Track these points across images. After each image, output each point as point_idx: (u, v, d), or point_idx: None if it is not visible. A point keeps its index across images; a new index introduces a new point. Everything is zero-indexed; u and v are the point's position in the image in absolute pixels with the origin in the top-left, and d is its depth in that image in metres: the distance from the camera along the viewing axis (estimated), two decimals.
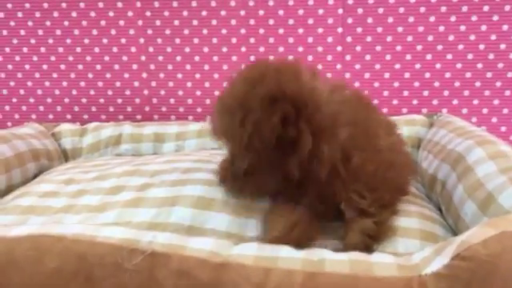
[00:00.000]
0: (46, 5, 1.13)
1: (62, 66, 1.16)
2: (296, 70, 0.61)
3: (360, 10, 1.08)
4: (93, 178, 0.77)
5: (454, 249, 0.46)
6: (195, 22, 1.11)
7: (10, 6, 1.14)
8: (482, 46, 1.06)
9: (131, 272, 0.48)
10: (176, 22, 1.11)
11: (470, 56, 1.07)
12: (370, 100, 0.73)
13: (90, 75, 1.16)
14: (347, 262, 0.49)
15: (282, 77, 0.59)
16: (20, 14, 1.14)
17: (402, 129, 0.98)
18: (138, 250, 0.49)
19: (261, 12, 1.09)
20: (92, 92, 1.17)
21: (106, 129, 1.06)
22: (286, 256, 0.50)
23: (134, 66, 1.15)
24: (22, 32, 1.15)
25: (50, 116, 1.19)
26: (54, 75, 1.17)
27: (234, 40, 1.11)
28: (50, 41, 1.15)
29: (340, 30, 1.09)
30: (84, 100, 1.18)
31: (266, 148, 0.57)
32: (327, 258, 0.50)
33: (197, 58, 1.13)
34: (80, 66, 1.16)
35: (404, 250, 0.58)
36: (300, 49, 1.10)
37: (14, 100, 1.19)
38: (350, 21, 1.08)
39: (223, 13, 1.10)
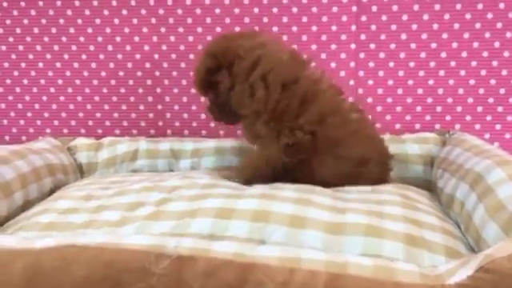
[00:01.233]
0: (61, 21, 1.14)
1: (77, 81, 1.17)
2: (238, 36, 0.88)
3: (373, 27, 1.08)
4: (112, 194, 0.78)
5: (479, 262, 0.46)
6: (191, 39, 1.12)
7: (26, 21, 1.15)
8: (495, 63, 1.06)
9: (159, 276, 0.50)
10: (190, 38, 1.13)
11: (483, 72, 1.07)
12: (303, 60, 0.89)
13: (105, 90, 1.17)
14: (371, 266, 0.50)
15: (222, 40, 0.88)
16: (36, 30, 1.15)
17: (414, 147, 1.00)
18: (165, 255, 0.51)
19: (275, 28, 1.10)
20: (106, 107, 1.18)
21: (122, 144, 1.07)
22: (310, 257, 0.52)
23: (148, 82, 1.16)
24: (38, 47, 1.17)
25: (65, 130, 1.20)
26: (69, 90, 1.18)
27: None
28: (66, 56, 1.16)
29: (353, 46, 1.09)
30: (98, 114, 1.19)
31: (201, 89, 0.90)
32: (350, 262, 0.51)
33: None
34: (95, 82, 1.17)
35: (429, 264, 0.58)
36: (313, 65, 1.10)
37: (29, 114, 1.20)
38: (363, 37, 1.09)
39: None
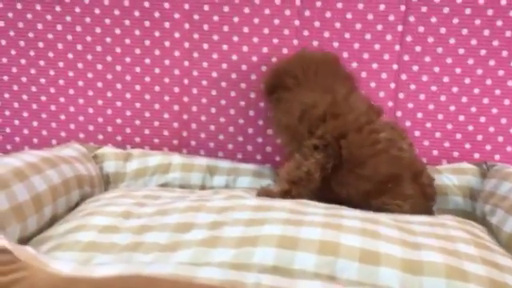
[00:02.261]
0: (88, 19, 1.07)
1: (99, 84, 1.10)
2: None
3: (418, 48, 1.04)
4: (153, 212, 0.71)
5: None
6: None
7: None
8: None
9: None
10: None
11: None
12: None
13: (128, 95, 1.10)
14: None
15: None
16: (59, 27, 1.08)
17: (452, 177, 0.96)
18: None
19: (315, 43, 1.05)
20: (128, 113, 1.11)
21: (154, 157, 1.00)
22: None
23: (176, 89, 1.10)
24: (60, 45, 1.09)
25: (81, 135, 1.13)
26: (90, 93, 1.11)
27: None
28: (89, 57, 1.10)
29: (395, 66, 1.05)
30: (119, 121, 1.12)
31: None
32: None
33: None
34: (118, 85, 1.10)
35: None
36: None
37: (44, 116, 1.13)
38: (406, 58, 1.05)
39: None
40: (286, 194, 0.80)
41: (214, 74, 1.09)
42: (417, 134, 1.08)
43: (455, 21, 1.01)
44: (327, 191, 0.80)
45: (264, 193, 0.80)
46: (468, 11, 1.01)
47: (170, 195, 0.82)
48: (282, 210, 0.68)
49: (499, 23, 1.00)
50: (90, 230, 0.66)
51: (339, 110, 0.84)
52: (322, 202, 0.77)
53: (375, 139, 0.79)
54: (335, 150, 0.80)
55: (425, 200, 0.81)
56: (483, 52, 1.02)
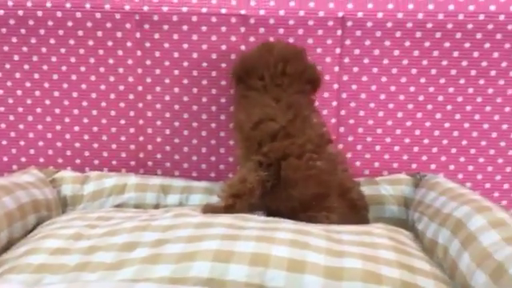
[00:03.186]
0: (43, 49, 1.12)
1: (57, 111, 1.15)
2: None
3: (355, 69, 1.12)
4: (102, 233, 0.76)
5: None
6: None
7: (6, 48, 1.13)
8: (468, 108, 1.12)
9: None
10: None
11: (457, 116, 1.13)
12: None
13: (86, 120, 1.15)
14: None
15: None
16: (16, 57, 1.13)
17: (388, 188, 1.05)
18: None
19: None
20: (86, 137, 1.16)
21: (110, 178, 1.05)
22: None
23: (131, 113, 1.15)
24: (17, 75, 1.14)
25: (41, 159, 1.17)
26: (48, 119, 1.16)
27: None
28: (46, 85, 1.14)
29: (336, 86, 1.13)
30: (77, 144, 1.17)
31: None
32: None
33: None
34: (75, 111, 1.15)
35: None
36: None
37: (4, 142, 1.17)
38: (345, 78, 1.13)
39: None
40: (229, 209, 0.86)
41: (167, 98, 1.15)
42: (359, 147, 1.16)
43: (387, 43, 1.10)
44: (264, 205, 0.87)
45: (209, 209, 0.86)
46: (398, 34, 1.09)
47: (123, 215, 0.87)
48: (222, 226, 0.74)
49: (427, 44, 1.09)
50: (42, 253, 0.71)
51: (293, 132, 0.90)
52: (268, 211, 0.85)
53: (311, 166, 0.87)
54: (276, 170, 0.87)
55: (355, 212, 0.89)
56: (414, 71, 1.11)
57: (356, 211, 0.90)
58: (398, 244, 0.75)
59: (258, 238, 0.70)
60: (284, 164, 0.87)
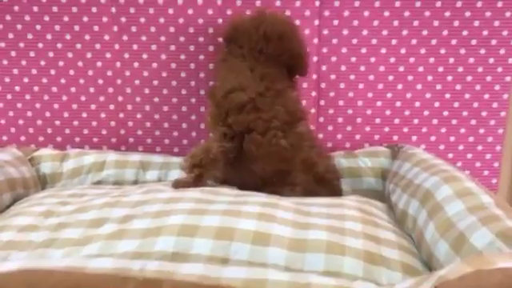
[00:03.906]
0: (19, 26, 1.11)
1: (36, 88, 1.15)
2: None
3: (334, 41, 1.11)
4: (73, 210, 0.76)
5: (432, 282, 0.48)
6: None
7: None
8: (449, 78, 1.11)
9: None
10: (145, 56, 1.12)
11: (438, 87, 1.12)
12: None
13: (65, 97, 1.15)
14: (332, 286, 0.53)
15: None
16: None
17: (366, 160, 1.05)
18: (130, 278, 0.51)
19: None
20: (66, 114, 1.16)
21: (89, 155, 1.06)
22: (274, 279, 0.53)
23: (110, 90, 1.15)
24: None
25: (22, 138, 1.17)
26: (27, 96, 1.15)
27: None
28: (23, 62, 1.13)
29: (315, 58, 1.11)
30: (57, 122, 1.16)
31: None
32: (313, 283, 0.53)
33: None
34: (54, 89, 1.15)
35: (387, 282, 0.61)
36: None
37: None
38: (324, 50, 1.11)
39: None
40: (198, 181, 0.86)
41: (146, 74, 1.14)
42: (340, 120, 1.15)
43: (366, 13, 1.08)
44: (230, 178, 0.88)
45: (179, 184, 0.86)
46: (377, 4, 1.08)
47: (97, 192, 0.87)
48: (191, 201, 0.74)
49: (407, 14, 1.08)
50: (11, 230, 0.71)
51: (261, 105, 0.89)
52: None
53: (273, 143, 0.86)
54: (239, 143, 0.87)
55: (323, 185, 0.89)
56: (394, 41, 1.10)
57: (324, 184, 0.90)
58: (366, 215, 0.75)
59: (226, 212, 0.70)
60: (247, 138, 0.87)
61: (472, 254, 0.58)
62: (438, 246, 0.64)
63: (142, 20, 1.10)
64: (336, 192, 0.92)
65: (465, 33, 1.08)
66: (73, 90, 1.15)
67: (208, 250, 0.63)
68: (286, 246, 0.64)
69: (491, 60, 1.10)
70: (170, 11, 1.09)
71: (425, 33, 1.09)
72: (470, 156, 1.15)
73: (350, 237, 0.67)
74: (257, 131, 0.87)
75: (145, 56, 1.13)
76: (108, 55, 1.13)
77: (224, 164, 0.87)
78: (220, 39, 1.06)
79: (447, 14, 1.07)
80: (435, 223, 0.68)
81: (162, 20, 1.10)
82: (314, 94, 1.13)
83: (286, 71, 0.97)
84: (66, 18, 1.11)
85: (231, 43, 0.96)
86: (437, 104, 1.13)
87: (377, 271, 0.61)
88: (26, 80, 1.14)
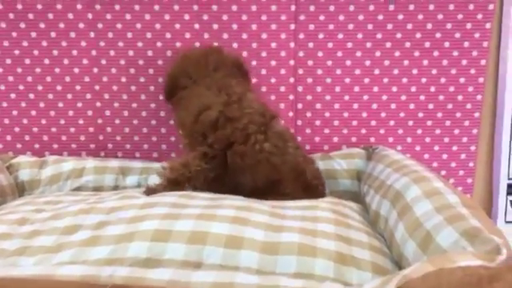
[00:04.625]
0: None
1: (12, 95, 1.14)
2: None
3: (311, 44, 1.12)
4: (47, 217, 0.76)
5: (396, 282, 0.49)
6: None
7: None
8: (424, 80, 1.13)
9: None
10: (122, 62, 1.12)
11: (413, 89, 1.13)
12: None
13: (42, 104, 1.15)
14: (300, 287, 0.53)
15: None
16: None
17: (341, 162, 1.06)
18: (98, 285, 0.51)
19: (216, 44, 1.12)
20: (43, 121, 1.16)
21: (68, 162, 1.06)
22: (243, 282, 0.55)
23: (88, 96, 1.15)
24: None
25: None
26: (4, 104, 1.15)
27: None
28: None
29: (292, 62, 1.13)
30: (35, 129, 1.16)
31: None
32: (282, 285, 0.54)
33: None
34: (31, 95, 1.14)
35: (357, 282, 0.62)
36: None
37: None
38: (301, 54, 1.13)
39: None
40: (172, 189, 0.85)
41: (123, 79, 1.14)
42: (317, 123, 1.16)
43: (341, 17, 1.10)
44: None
45: (150, 191, 0.86)
46: (351, 8, 1.09)
47: (72, 199, 0.87)
48: (165, 206, 0.74)
49: (380, 17, 1.09)
50: None
51: (232, 114, 0.89)
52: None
53: (258, 149, 0.86)
54: (222, 160, 0.87)
55: (310, 192, 0.90)
56: (369, 44, 1.11)
57: (311, 191, 0.90)
58: (339, 217, 0.76)
59: (199, 216, 0.71)
60: (230, 153, 0.87)
61: (438, 253, 0.59)
62: (407, 245, 0.66)
63: (119, 26, 1.10)
64: (321, 197, 0.92)
65: (438, 35, 1.10)
66: (50, 96, 1.15)
67: (181, 254, 0.64)
68: (258, 249, 0.65)
69: (464, 62, 1.11)
70: (147, 17, 1.10)
71: (399, 36, 1.10)
72: (445, 156, 1.17)
73: (322, 238, 0.68)
74: (238, 142, 0.87)
75: (122, 62, 1.13)
76: (85, 61, 1.13)
77: (204, 181, 0.87)
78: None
79: (420, 16, 1.09)
80: (404, 223, 0.69)
81: (138, 26, 1.10)
82: (291, 97, 1.14)
83: (237, 77, 0.99)
84: (42, 25, 1.10)
85: (176, 86, 1.00)
86: (412, 106, 1.14)
87: (347, 272, 0.62)
88: (2, 87, 1.14)
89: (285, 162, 0.89)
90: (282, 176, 0.89)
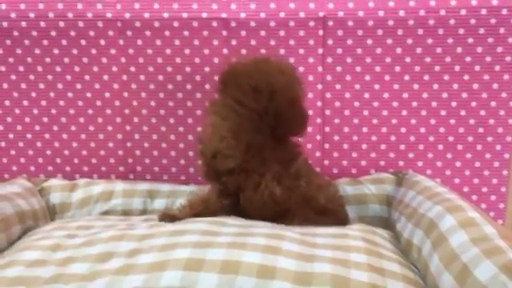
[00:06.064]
0: (29, 59, 1.14)
1: (45, 119, 1.17)
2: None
3: (338, 68, 1.12)
4: (80, 243, 0.77)
5: None
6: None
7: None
8: (454, 104, 1.11)
9: None
10: (151, 86, 1.14)
11: (443, 112, 1.12)
12: None
13: (73, 128, 1.17)
14: None
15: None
16: (2, 68, 1.14)
17: (371, 187, 1.05)
18: None
19: None
20: (74, 144, 1.18)
21: (98, 185, 1.07)
22: None
23: (118, 120, 1.17)
24: (5, 85, 1.16)
25: (32, 168, 1.19)
26: (37, 127, 1.17)
27: None
28: (33, 94, 1.16)
29: (320, 86, 1.13)
30: (66, 152, 1.18)
31: None
32: None
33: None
34: (63, 119, 1.17)
35: None
36: None
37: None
38: (329, 78, 1.13)
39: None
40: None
41: (152, 103, 1.16)
42: (345, 146, 1.16)
43: (369, 41, 1.10)
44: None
45: (166, 217, 0.87)
46: (380, 32, 1.09)
47: (103, 224, 0.88)
48: (196, 233, 0.75)
49: (409, 41, 1.09)
50: (19, 265, 0.72)
51: (250, 167, 0.87)
52: None
53: (266, 195, 0.86)
54: (236, 197, 0.89)
55: (326, 214, 0.89)
56: (398, 68, 1.11)
57: (328, 214, 0.90)
58: (371, 246, 0.75)
59: (230, 245, 0.71)
60: (242, 196, 0.88)
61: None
62: (443, 278, 0.64)
63: (149, 51, 1.12)
64: (341, 220, 0.92)
65: (468, 59, 1.09)
66: (81, 120, 1.17)
67: (214, 284, 0.64)
68: (291, 280, 0.64)
69: (495, 85, 1.10)
70: (176, 42, 1.12)
71: (428, 60, 1.10)
72: (476, 181, 1.15)
73: (355, 269, 0.67)
74: (248, 189, 0.87)
75: (152, 86, 1.15)
76: (115, 86, 1.15)
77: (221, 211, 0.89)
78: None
79: (450, 40, 1.08)
80: (439, 254, 0.68)
81: (168, 51, 1.12)
82: (318, 120, 1.14)
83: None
84: (74, 51, 1.13)
85: (225, 88, 0.91)
86: (442, 129, 1.13)
87: None
88: (35, 111, 1.17)
89: (291, 198, 0.88)
90: (288, 207, 0.89)
